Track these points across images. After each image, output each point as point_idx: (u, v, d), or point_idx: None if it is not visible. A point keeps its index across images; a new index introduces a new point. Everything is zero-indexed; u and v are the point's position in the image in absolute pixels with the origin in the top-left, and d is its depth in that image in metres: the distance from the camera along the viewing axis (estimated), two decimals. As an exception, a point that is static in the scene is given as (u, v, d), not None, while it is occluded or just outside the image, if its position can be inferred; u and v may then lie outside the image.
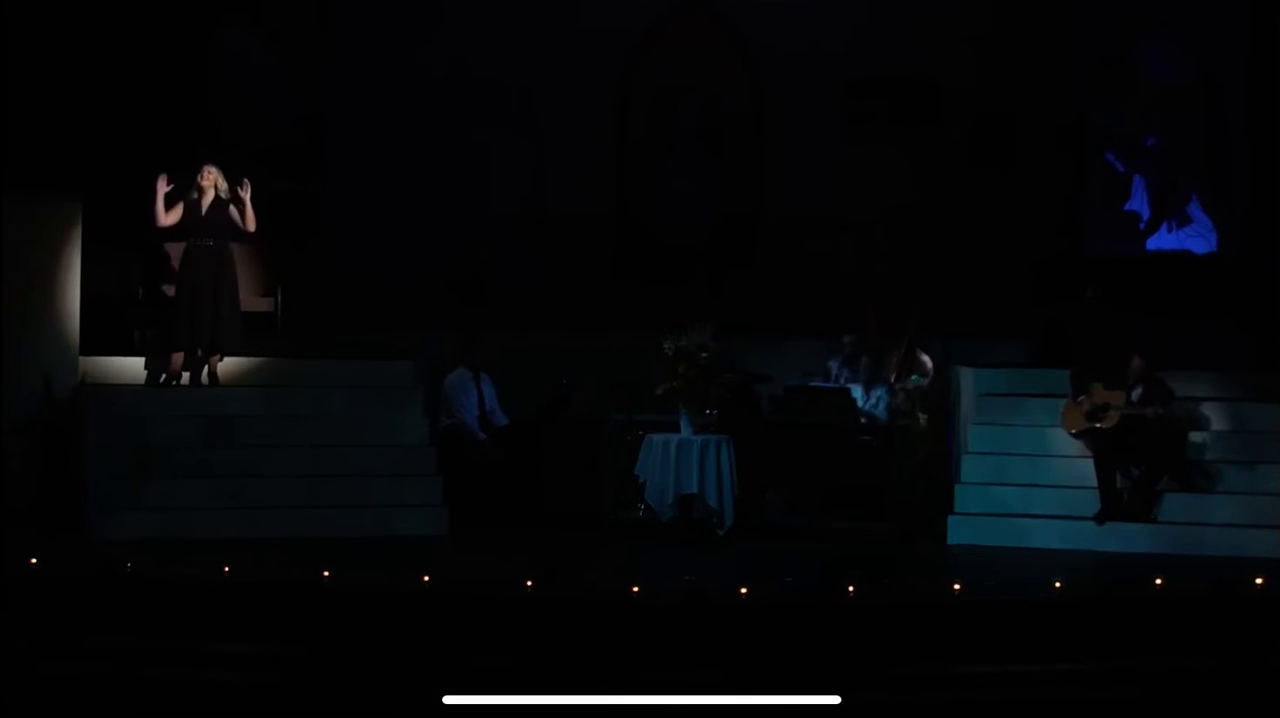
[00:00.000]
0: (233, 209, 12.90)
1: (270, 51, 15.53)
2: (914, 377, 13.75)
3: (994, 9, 15.35)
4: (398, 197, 15.28)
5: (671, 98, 16.02)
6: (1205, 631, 9.71)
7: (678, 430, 12.86)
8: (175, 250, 13.11)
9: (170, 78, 14.97)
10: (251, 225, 12.92)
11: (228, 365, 13.08)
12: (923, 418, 13.69)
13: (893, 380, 13.75)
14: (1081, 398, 12.69)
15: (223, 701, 9.05)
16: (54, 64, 13.72)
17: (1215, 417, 12.89)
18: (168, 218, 12.90)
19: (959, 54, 15.40)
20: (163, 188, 12.81)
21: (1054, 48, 15.41)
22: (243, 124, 15.32)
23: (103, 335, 13.28)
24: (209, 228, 12.86)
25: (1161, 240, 15.78)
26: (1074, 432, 12.74)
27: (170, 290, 13.14)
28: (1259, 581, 10.39)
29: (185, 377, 12.98)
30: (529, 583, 9.97)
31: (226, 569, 10.35)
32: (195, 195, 12.91)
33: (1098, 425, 12.56)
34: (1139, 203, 15.83)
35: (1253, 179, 15.43)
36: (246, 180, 12.88)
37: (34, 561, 10.41)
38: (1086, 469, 12.62)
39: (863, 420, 13.50)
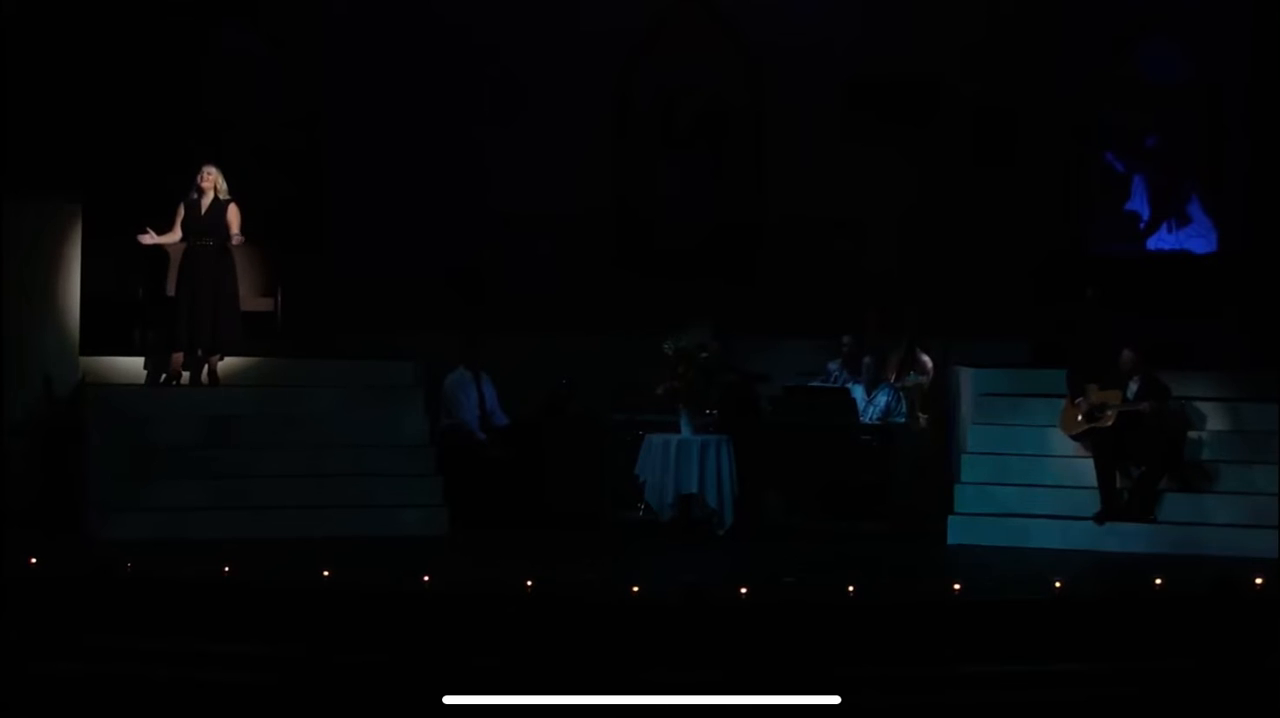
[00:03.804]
0: (231, 211, 12.90)
1: (269, 51, 15.54)
2: (911, 374, 13.75)
3: (994, 8, 15.35)
4: (397, 196, 15.28)
5: (671, 97, 16.01)
6: (1204, 631, 9.70)
7: (678, 430, 12.86)
8: (175, 250, 13.12)
9: (169, 78, 14.97)
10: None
11: (228, 365, 13.09)
12: (923, 418, 13.70)
13: (892, 380, 13.76)
14: (1079, 399, 12.70)
15: (223, 701, 9.05)
16: (54, 64, 13.73)
17: (1215, 416, 12.89)
18: (175, 234, 12.93)
19: (959, 53, 15.40)
20: (148, 239, 12.85)
21: (1054, 47, 15.41)
22: (242, 124, 15.33)
23: (103, 335, 13.29)
24: (209, 228, 12.87)
25: (1161, 240, 15.79)
26: (1073, 434, 12.74)
27: (170, 290, 13.15)
28: (1258, 581, 10.39)
29: (185, 376, 13.00)
30: (529, 583, 9.97)
31: (226, 569, 10.35)
32: (195, 196, 12.93)
33: (1096, 425, 12.56)
34: (1139, 203, 15.83)
35: (1253, 179, 15.43)
36: (242, 241, 12.91)
37: (34, 560, 10.41)
38: (1086, 469, 12.62)
39: (868, 422, 13.49)
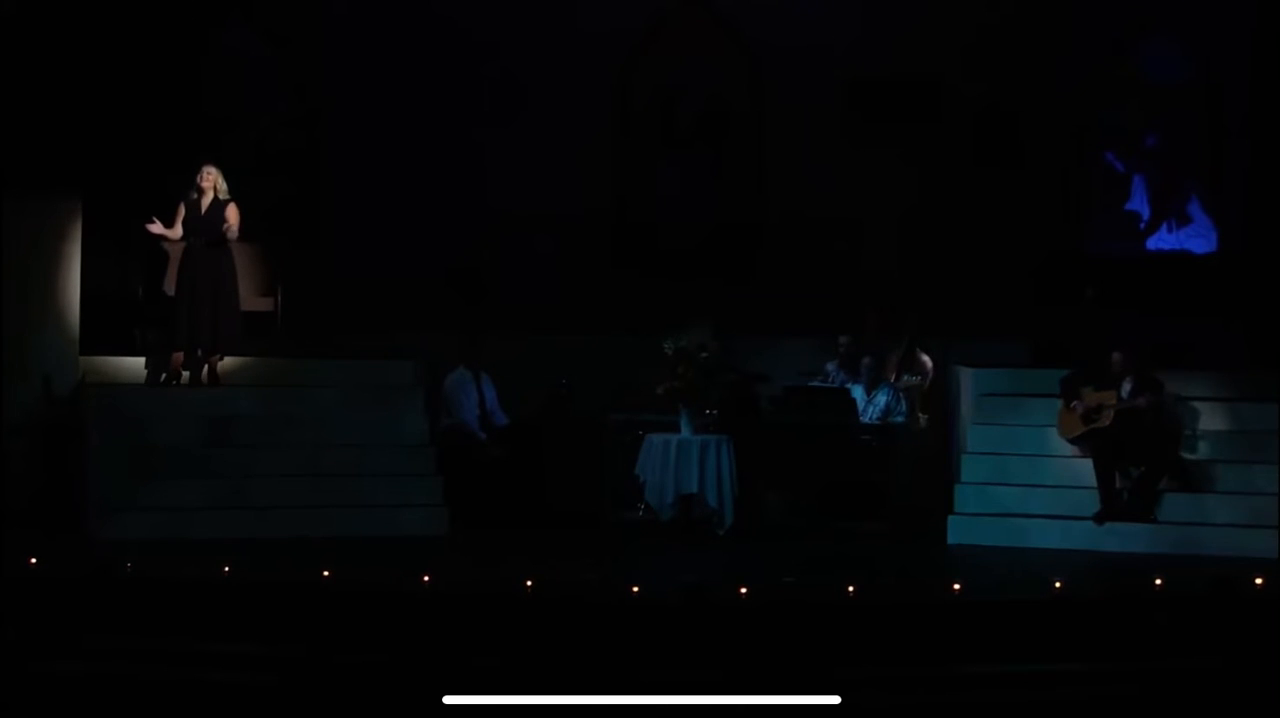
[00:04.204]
0: (231, 210, 12.90)
1: (269, 51, 15.54)
2: (906, 375, 13.74)
3: (995, 8, 15.33)
4: (397, 196, 15.27)
5: (671, 96, 16.00)
6: (1204, 631, 9.70)
7: (678, 430, 12.86)
8: (175, 250, 13.12)
9: (169, 77, 14.96)
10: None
11: (228, 365, 13.09)
12: (923, 418, 13.70)
13: (892, 380, 13.75)
14: (1075, 403, 12.70)
15: (223, 701, 9.05)
16: (54, 63, 13.71)
17: (1215, 417, 12.88)
18: (177, 230, 12.93)
19: (960, 53, 15.39)
20: (155, 228, 12.86)
21: (1055, 47, 15.40)
22: (242, 124, 15.32)
23: (103, 335, 13.30)
24: (208, 228, 12.87)
25: (1161, 240, 15.78)
26: (1071, 437, 12.74)
27: (170, 290, 13.15)
28: (1258, 580, 10.39)
29: (185, 376, 13.00)
30: (529, 583, 9.97)
31: (226, 569, 10.34)
32: (195, 195, 12.93)
33: (1095, 426, 12.56)
34: (1139, 203, 15.83)
35: (1253, 179, 15.42)
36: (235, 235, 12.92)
37: (34, 560, 10.41)
38: (1086, 469, 12.62)
39: (868, 422, 13.48)
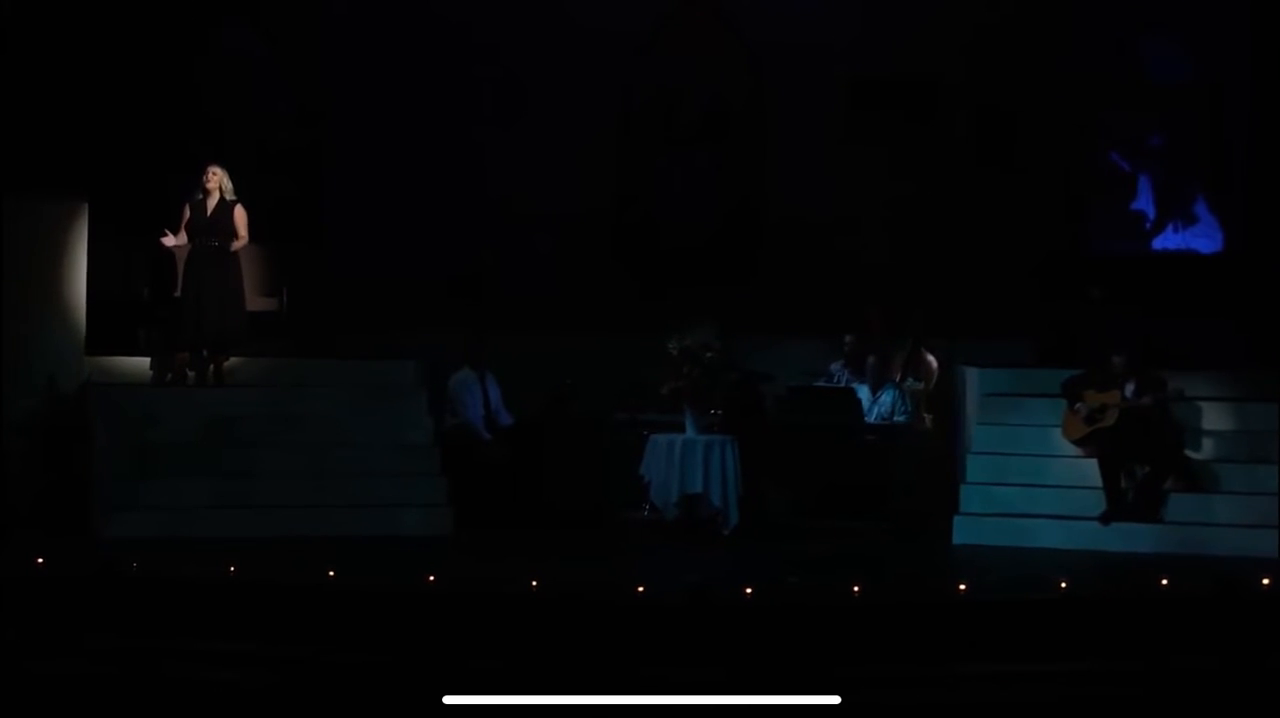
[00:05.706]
0: (238, 213, 12.90)
1: (269, 51, 15.54)
2: (910, 380, 13.74)
3: (995, 7, 15.32)
4: (399, 196, 15.27)
5: (673, 96, 16.00)
6: (1210, 631, 9.70)
7: (682, 430, 12.86)
8: (180, 250, 13.12)
9: (170, 77, 14.97)
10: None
11: (232, 365, 13.10)
12: (927, 418, 13.70)
13: (896, 380, 13.75)
14: (1078, 405, 12.70)
15: (224, 701, 9.05)
16: (57, 62, 13.72)
17: (1221, 417, 12.87)
18: (182, 235, 12.95)
19: (962, 52, 15.38)
20: (169, 240, 12.89)
21: (1059, 46, 15.39)
22: (243, 124, 15.32)
23: (108, 335, 13.32)
24: (213, 228, 12.88)
25: (1167, 240, 15.77)
26: (1076, 439, 12.73)
27: (175, 290, 13.16)
28: (1264, 581, 10.38)
29: (190, 376, 13.01)
30: (533, 583, 9.97)
31: (231, 569, 10.34)
32: (200, 196, 12.94)
33: (1099, 426, 12.56)
34: (1144, 202, 15.82)
35: (1257, 178, 15.41)
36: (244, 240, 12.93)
37: (38, 560, 10.41)
38: (1091, 469, 12.61)
39: (873, 422, 13.47)
